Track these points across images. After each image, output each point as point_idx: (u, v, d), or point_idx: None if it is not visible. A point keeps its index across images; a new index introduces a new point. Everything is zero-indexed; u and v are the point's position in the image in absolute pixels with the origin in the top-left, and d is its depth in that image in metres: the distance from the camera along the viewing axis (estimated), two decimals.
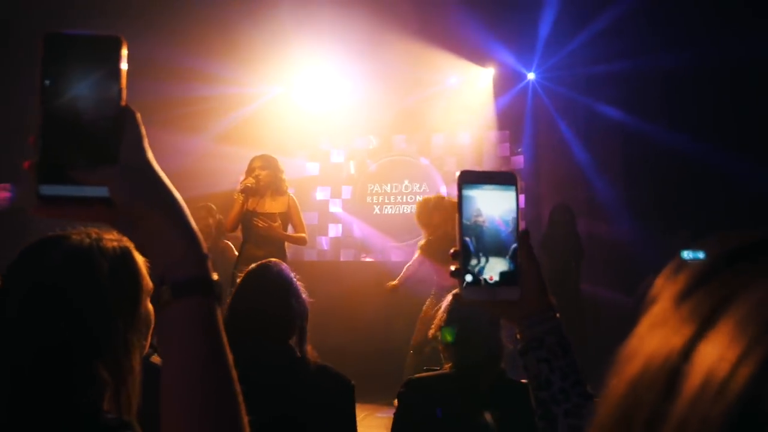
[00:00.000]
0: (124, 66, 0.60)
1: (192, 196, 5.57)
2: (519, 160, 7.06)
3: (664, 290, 0.31)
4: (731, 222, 5.50)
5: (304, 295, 2.05)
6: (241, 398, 0.63)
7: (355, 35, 6.38)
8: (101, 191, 0.59)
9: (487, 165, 7.07)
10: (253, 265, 2.10)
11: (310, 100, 7.29)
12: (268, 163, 4.68)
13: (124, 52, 0.60)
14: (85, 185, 0.59)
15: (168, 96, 6.37)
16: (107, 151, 0.59)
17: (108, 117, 0.59)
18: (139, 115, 0.61)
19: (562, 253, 5.54)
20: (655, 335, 0.29)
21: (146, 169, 0.62)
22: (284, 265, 2.10)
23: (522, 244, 0.87)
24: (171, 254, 0.62)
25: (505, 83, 7.04)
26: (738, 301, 0.26)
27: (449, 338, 2.07)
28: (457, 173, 0.86)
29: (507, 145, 7.11)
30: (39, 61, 0.57)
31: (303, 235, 4.77)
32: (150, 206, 0.61)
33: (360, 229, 7.31)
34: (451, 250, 0.86)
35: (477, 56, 6.89)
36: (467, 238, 0.84)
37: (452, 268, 0.85)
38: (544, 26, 6.55)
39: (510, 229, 0.86)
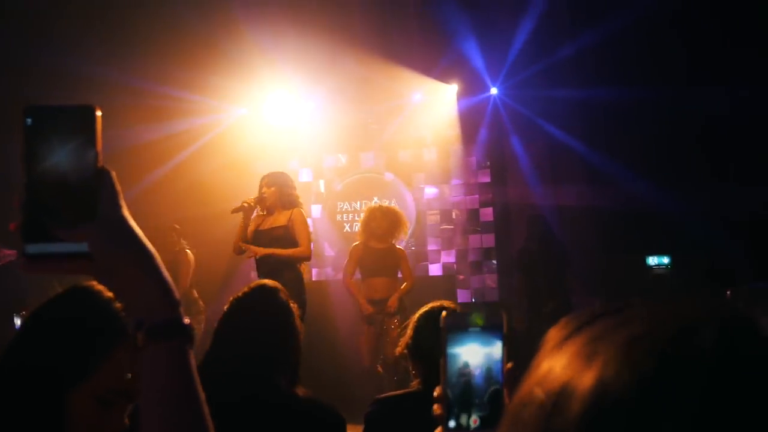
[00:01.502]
0: (98, 131, 0.65)
1: (161, 221, 5.58)
2: (486, 174, 7.19)
3: (552, 336, 0.45)
4: (654, 246, 5.85)
5: (298, 322, 1.94)
6: None
7: (318, 54, 6.46)
8: (82, 247, 0.64)
9: (453, 178, 7.21)
10: (245, 289, 1.96)
11: (276, 120, 7.32)
12: (274, 180, 4.58)
13: (99, 118, 0.65)
14: (66, 242, 0.64)
15: (132, 120, 6.35)
16: (86, 210, 0.64)
17: (86, 178, 0.64)
18: (114, 174, 0.66)
19: (534, 266, 5.56)
20: (540, 366, 0.43)
21: (122, 224, 0.67)
22: (281, 291, 1.97)
23: (507, 383, 0.88)
24: (146, 301, 0.67)
25: (470, 99, 7.19)
26: (574, 341, 0.41)
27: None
28: (443, 314, 0.86)
29: (473, 159, 7.24)
30: (22, 132, 0.62)
31: (300, 249, 4.42)
32: (126, 258, 0.67)
33: (331, 247, 7.34)
34: (435, 393, 0.87)
35: (440, 73, 7.03)
36: (451, 382, 0.85)
37: (436, 410, 0.87)
38: (511, 46, 6.78)
39: (495, 372, 0.87)
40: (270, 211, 4.55)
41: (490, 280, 7.02)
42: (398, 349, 2.23)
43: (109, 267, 0.66)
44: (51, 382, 1.01)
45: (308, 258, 4.56)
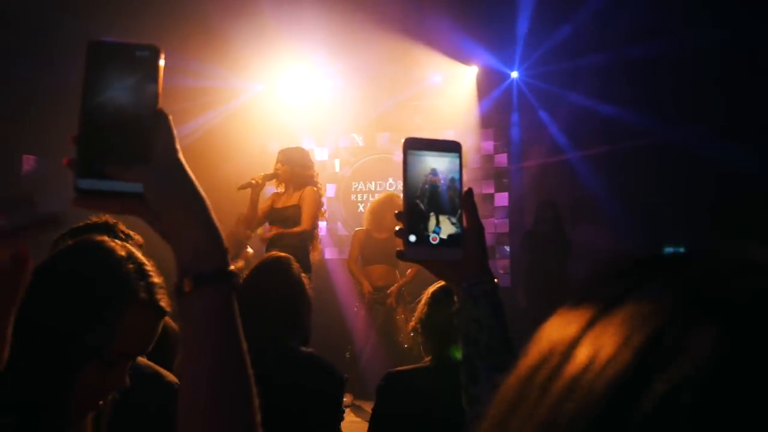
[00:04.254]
0: (160, 73, 0.63)
1: None
2: (503, 158, 7.14)
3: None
4: (708, 207, 5.78)
5: (309, 290, 2.21)
6: (253, 381, 0.68)
7: (338, 33, 6.39)
8: (135, 187, 0.63)
9: (471, 163, 7.15)
10: (265, 258, 2.24)
11: (292, 97, 7.28)
12: (288, 157, 4.46)
13: (162, 60, 0.63)
14: (120, 181, 0.63)
15: None
16: (142, 150, 0.63)
17: (144, 118, 0.63)
18: (171, 118, 0.65)
19: (546, 251, 5.58)
20: (557, 326, 0.36)
21: (177, 168, 0.66)
22: (294, 262, 2.23)
23: (465, 204, 0.89)
24: (193, 247, 0.66)
25: (489, 81, 7.10)
26: (623, 304, 0.33)
27: (458, 356, 2.09)
28: (403, 140, 0.87)
29: (491, 143, 7.18)
30: (83, 66, 0.61)
31: (300, 226, 4.27)
32: (178, 202, 0.66)
33: (344, 227, 7.34)
34: (396, 211, 0.86)
35: (460, 54, 6.94)
36: (412, 201, 0.85)
37: (396, 228, 0.86)
38: (523, 24, 6.66)
39: (454, 193, 0.87)
40: (286, 188, 4.50)
41: (503, 265, 7.00)
42: (410, 324, 2.25)
43: (160, 210, 0.65)
44: (66, 360, 0.98)
45: (308, 234, 4.33)
